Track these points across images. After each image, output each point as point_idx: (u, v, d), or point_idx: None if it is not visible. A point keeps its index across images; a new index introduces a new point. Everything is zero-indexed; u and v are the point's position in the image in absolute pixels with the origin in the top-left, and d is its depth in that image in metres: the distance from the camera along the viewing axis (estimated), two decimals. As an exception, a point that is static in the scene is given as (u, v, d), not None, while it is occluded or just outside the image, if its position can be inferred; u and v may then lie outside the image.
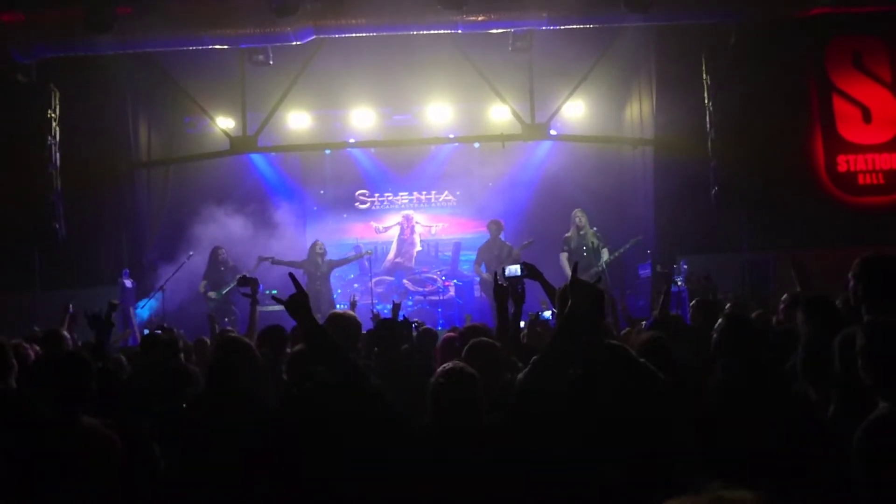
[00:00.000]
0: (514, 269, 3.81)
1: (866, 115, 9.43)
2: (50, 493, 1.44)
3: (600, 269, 9.09)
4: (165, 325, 7.41)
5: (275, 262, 9.59)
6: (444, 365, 2.71)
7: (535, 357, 2.72)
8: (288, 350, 4.19)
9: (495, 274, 3.91)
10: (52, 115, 9.09)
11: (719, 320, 3.20)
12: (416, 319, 5.46)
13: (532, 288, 3.93)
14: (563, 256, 9.25)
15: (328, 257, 10.00)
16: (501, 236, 10.04)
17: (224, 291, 9.69)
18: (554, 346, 2.71)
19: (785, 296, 4.43)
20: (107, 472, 2.38)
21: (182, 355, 4.93)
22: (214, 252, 9.88)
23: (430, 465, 2.45)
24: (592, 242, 9.28)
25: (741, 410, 2.71)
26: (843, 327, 2.92)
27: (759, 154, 8.80)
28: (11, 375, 2.39)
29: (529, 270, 3.75)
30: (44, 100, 9.03)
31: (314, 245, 10.00)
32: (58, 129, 9.16)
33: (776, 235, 8.70)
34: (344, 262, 10.30)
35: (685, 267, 8.87)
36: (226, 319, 9.32)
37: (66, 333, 4.87)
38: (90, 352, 4.13)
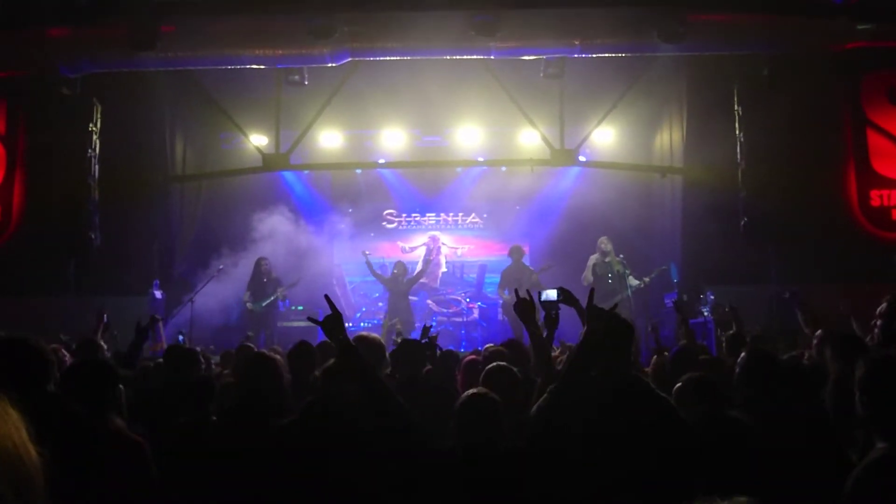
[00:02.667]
0: (550, 294, 3.72)
1: (902, 150, 9.31)
2: (80, 490, 1.50)
3: (625, 296, 9.04)
4: (181, 337, 7.52)
5: (367, 259, 10.32)
6: (469, 390, 2.74)
7: (551, 386, 2.74)
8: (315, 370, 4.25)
9: (516, 291, 3.84)
10: (94, 128, 9.36)
11: (742, 354, 3.18)
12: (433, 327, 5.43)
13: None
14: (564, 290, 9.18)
15: (408, 276, 10.40)
16: (525, 261, 10.04)
17: (264, 303, 9.77)
18: (568, 372, 2.72)
19: (819, 331, 4.38)
20: (135, 474, 2.45)
21: (202, 366, 4.99)
22: (258, 263, 9.98)
23: (453, 489, 2.47)
24: (618, 269, 9.25)
25: (758, 445, 2.68)
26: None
27: (789, 186, 8.73)
28: (52, 381, 2.48)
29: (566, 296, 3.59)
30: (86, 113, 9.32)
31: (396, 265, 10.44)
32: (98, 141, 9.42)
33: (806, 269, 8.58)
34: (418, 276, 10.55)
35: (711, 297, 8.78)
36: (249, 332, 9.41)
37: (101, 342, 4.98)
38: (121, 360, 4.23)
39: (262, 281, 9.89)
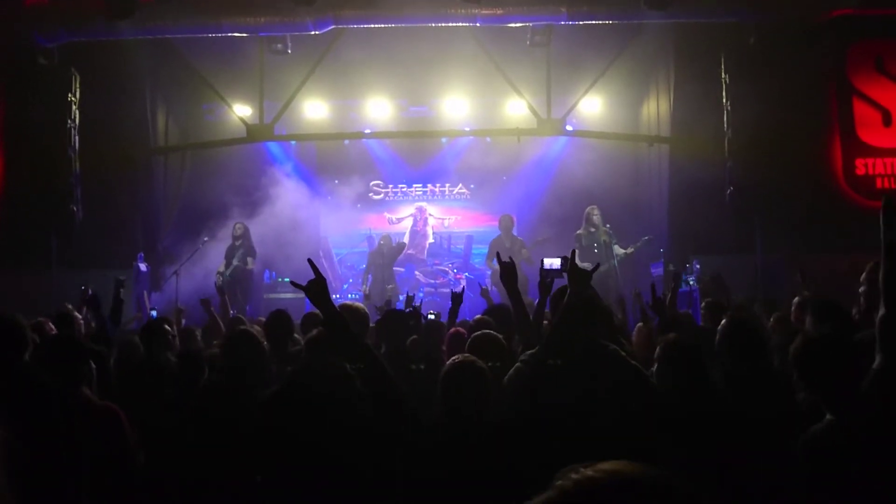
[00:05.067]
0: (553, 263, 3.66)
1: (886, 119, 9.32)
2: (51, 455, 1.49)
3: (612, 266, 9.06)
4: (154, 312, 7.44)
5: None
6: (454, 358, 2.71)
7: (531, 351, 2.74)
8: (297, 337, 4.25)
9: (498, 255, 3.78)
10: (73, 98, 9.17)
11: (722, 321, 3.20)
12: (433, 311, 5.46)
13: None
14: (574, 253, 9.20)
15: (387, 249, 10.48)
16: (514, 231, 10.03)
17: (228, 271, 9.53)
18: (551, 338, 2.73)
19: (796, 298, 4.42)
20: (111, 439, 2.46)
21: (177, 339, 4.94)
22: (233, 227, 9.85)
23: (439, 458, 2.46)
24: (604, 240, 9.24)
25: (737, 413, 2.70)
26: (854, 332, 2.92)
27: (775, 155, 8.72)
28: (25, 353, 2.47)
29: (569, 267, 3.55)
30: (64, 83, 9.10)
31: (382, 237, 10.51)
32: (77, 112, 9.24)
33: (791, 238, 8.63)
34: (400, 246, 10.66)
35: (697, 267, 8.83)
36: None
37: (76, 314, 4.95)
38: (102, 333, 4.20)
39: (234, 245, 9.68)
